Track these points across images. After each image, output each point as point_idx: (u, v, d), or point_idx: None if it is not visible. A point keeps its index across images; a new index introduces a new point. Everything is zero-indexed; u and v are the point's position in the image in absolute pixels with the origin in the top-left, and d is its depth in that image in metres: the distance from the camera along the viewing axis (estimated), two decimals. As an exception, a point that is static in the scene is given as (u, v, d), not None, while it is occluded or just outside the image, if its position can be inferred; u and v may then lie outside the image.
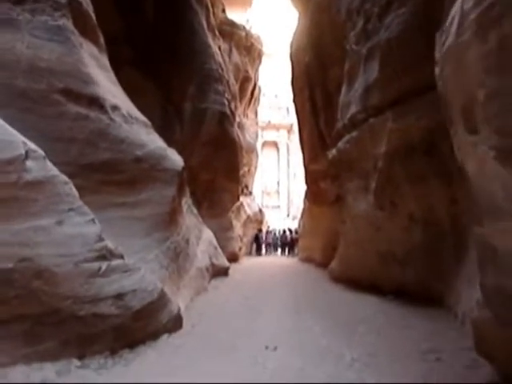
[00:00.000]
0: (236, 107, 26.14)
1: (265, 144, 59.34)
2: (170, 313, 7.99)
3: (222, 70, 21.41)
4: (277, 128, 60.43)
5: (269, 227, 36.82)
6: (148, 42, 17.08)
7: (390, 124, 9.41)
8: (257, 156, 34.60)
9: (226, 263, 17.21)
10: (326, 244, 19.29)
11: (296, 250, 29.06)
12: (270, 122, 58.49)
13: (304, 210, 25.56)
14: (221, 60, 21.69)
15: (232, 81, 26.20)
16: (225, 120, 20.20)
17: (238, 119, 26.64)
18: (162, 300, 7.67)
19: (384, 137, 9.76)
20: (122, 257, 7.13)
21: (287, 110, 58.62)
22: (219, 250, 16.92)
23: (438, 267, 9.29)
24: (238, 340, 7.57)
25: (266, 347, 7.08)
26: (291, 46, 23.75)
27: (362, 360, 6.26)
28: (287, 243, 31.24)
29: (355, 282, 12.83)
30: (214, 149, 19.77)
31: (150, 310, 7.24)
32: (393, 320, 8.70)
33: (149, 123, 11.14)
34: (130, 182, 9.11)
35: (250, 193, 31.85)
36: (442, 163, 8.50)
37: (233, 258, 21.72)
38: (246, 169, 28.36)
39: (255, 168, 34.34)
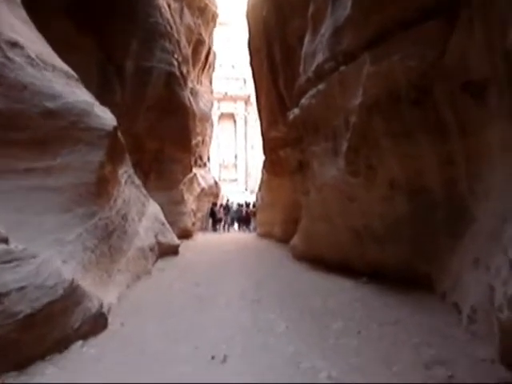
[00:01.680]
0: (188, 72, 23.99)
1: (222, 116, 58.05)
2: (87, 312, 6.07)
3: (171, 27, 19.18)
4: (234, 99, 58.90)
5: (228, 200, 35.00)
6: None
7: (367, 68, 7.56)
8: (212, 126, 32.60)
9: (176, 241, 15.34)
10: (286, 218, 17.98)
11: (253, 225, 27.40)
12: (226, 93, 57.09)
13: (262, 181, 23.71)
14: (169, 17, 19.42)
15: (184, 43, 23.95)
16: (173, 81, 18.02)
17: (190, 85, 24.57)
18: (72, 297, 5.75)
19: (359, 86, 7.95)
20: (4, 241, 5.13)
21: (244, 81, 57.45)
22: (168, 226, 15.01)
23: (427, 244, 7.64)
24: (177, 346, 5.75)
25: (213, 357, 5.31)
26: (247, 5, 21.69)
27: (344, 379, 4.53)
28: (243, 218, 29.51)
29: (322, 261, 11.22)
30: (162, 114, 17.67)
31: (50, 314, 5.27)
32: (374, 312, 7.02)
33: (73, 74, 9.11)
34: (37, 142, 7.13)
35: (205, 164, 29.72)
36: (435, 114, 6.75)
37: (185, 235, 20.06)
38: (199, 138, 26.29)
39: (210, 138, 32.32)
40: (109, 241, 8.90)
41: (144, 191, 14.30)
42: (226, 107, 58.45)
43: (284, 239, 17.34)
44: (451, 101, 6.45)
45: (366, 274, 9.30)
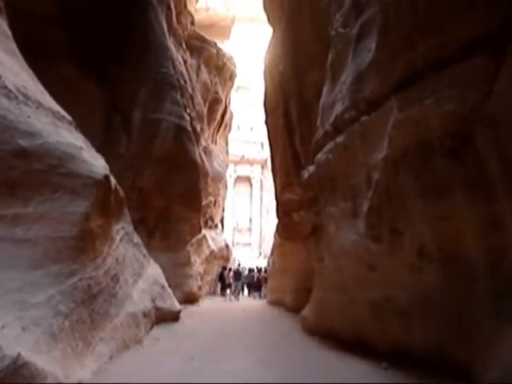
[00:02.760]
0: (202, 129, 23.44)
1: (238, 179, 57.96)
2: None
3: (185, 81, 18.73)
4: (251, 163, 58.81)
5: (239, 265, 33.55)
6: (90, 30, 14.19)
7: (393, 116, 6.53)
8: (225, 187, 31.79)
9: (177, 306, 14.05)
10: (298, 286, 16.70)
11: (264, 291, 25.92)
12: (243, 156, 57.10)
13: (274, 245, 22.52)
14: (184, 71, 18.96)
15: (199, 100, 23.62)
16: (184, 136, 17.29)
17: (204, 143, 23.94)
18: (16, 377, 4.52)
19: (384, 137, 6.90)
20: None
21: (262, 144, 57.19)
22: (168, 291, 13.76)
23: (464, 324, 6.26)
24: None
25: None
26: (264, 63, 21.24)
27: None
28: (254, 284, 27.92)
29: (335, 336, 9.88)
30: (170, 169, 16.84)
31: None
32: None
33: (65, 116, 8.30)
34: (5, 185, 6.07)
35: (216, 226, 28.59)
36: (477, 167, 5.58)
37: (190, 299, 18.82)
38: (211, 199, 25.34)
39: (223, 199, 31.40)
40: (91, 305, 7.72)
41: (144, 251, 13.21)
42: (243, 170, 58.29)
43: (295, 308, 15.97)
44: (498, 151, 5.32)
45: (386, 356, 7.89)
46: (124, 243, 11.12)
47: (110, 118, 15.10)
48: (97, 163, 8.09)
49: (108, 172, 8.27)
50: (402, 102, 6.45)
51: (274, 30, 19.65)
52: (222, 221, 53.22)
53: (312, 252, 12.54)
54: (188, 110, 18.55)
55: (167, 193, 17.10)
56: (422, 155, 6.23)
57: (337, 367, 7.96)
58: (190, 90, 19.98)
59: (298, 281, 16.82)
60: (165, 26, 17.04)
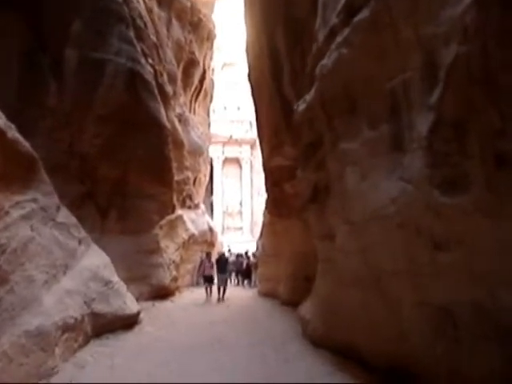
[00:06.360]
0: (175, 93, 19.59)
1: (226, 161, 54.88)
2: None
3: (145, 25, 14.83)
4: (239, 143, 55.42)
5: (229, 251, 30.59)
6: None
7: None
8: (208, 163, 27.90)
9: (132, 308, 10.37)
10: (294, 273, 13.38)
11: (254, 279, 22.14)
12: (231, 137, 53.76)
13: (263, 225, 18.62)
14: (144, 13, 15.03)
15: (170, 58, 19.69)
16: (138, 85, 13.29)
17: (179, 110, 20.16)
18: None
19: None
20: None
21: (250, 123, 53.51)
22: (117, 287, 10.07)
23: None
24: None
25: None
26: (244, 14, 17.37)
27: None
28: (242, 271, 24.02)
29: (359, 357, 6.23)
30: (122, 129, 12.98)
31: None
32: None
33: None
34: None
35: (197, 206, 24.55)
36: None
37: (162, 294, 15.27)
38: (189, 174, 21.38)
39: (205, 177, 27.46)
40: None
41: (80, 234, 9.54)
42: (231, 151, 55.26)
43: (291, 301, 12.95)
44: None
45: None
46: (32, 223, 7.46)
47: (31, 59, 11.19)
48: None
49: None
50: None
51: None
52: (211, 205, 50.21)
53: (313, 228, 8.85)
54: (150, 60, 14.70)
55: (120, 160, 13.25)
56: None
57: None
58: (154, 38, 16.10)
59: (294, 267, 13.41)
60: None
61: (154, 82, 14.50)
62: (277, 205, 15.62)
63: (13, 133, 7.03)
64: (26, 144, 7.51)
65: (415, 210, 4.31)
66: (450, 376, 4.48)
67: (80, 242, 9.38)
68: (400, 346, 5.22)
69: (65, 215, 8.99)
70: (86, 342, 8.28)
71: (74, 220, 9.39)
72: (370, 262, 5.53)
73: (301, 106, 7.31)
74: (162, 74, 16.60)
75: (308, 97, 6.86)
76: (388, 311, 5.36)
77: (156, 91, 14.55)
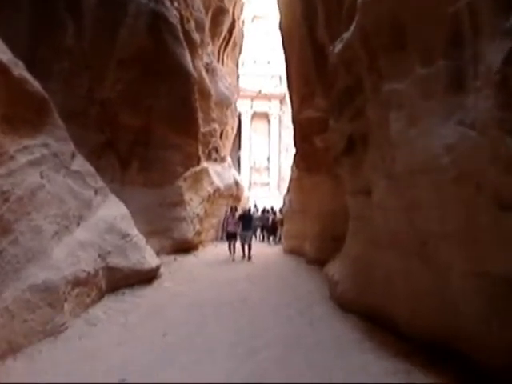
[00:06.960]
0: (203, 41, 18.68)
1: (254, 115, 53.66)
2: None
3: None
4: (268, 98, 53.83)
5: (255, 206, 30.72)
6: None
7: None
8: (236, 116, 27.15)
9: (151, 262, 9.93)
10: (322, 232, 12.64)
11: (280, 235, 21.61)
12: (260, 91, 52.05)
13: (291, 180, 17.93)
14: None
15: (198, 5, 18.66)
16: (162, 27, 12.49)
17: (206, 59, 19.29)
18: None
19: None
20: None
21: (280, 78, 51.93)
22: (135, 240, 9.60)
23: None
24: None
25: None
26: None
27: None
28: (268, 227, 23.47)
29: (393, 325, 5.59)
30: (145, 75, 12.31)
31: None
32: None
33: None
34: None
35: (223, 159, 23.91)
36: None
37: (185, 247, 14.87)
38: (215, 126, 20.67)
39: (233, 130, 26.75)
40: None
41: (96, 183, 9.03)
42: (260, 106, 53.88)
43: (318, 260, 12.44)
44: None
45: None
46: (42, 169, 6.93)
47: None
48: None
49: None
50: None
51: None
52: (238, 160, 49.62)
53: (345, 183, 8.17)
54: (176, 4, 13.84)
55: (143, 108, 12.61)
56: None
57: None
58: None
59: (322, 226, 12.72)
60: None
61: (179, 27, 13.70)
62: (306, 159, 14.89)
63: (20, 71, 6.43)
64: (35, 84, 6.92)
65: (477, 161, 3.56)
66: (506, 355, 3.86)
67: (96, 192, 8.87)
68: (445, 319, 4.57)
69: (80, 163, 8.46)
70: (100, 297, 7.87)
71: (90, 169, 8.87)
72: (414, 223, 4.83)
73: (337, 47, 6.51)
74: (188, 21, 15.72)
75: (346, 34, 6.06)
76: (433, 279, 4.69)
77: (182, 37, 13.77)
